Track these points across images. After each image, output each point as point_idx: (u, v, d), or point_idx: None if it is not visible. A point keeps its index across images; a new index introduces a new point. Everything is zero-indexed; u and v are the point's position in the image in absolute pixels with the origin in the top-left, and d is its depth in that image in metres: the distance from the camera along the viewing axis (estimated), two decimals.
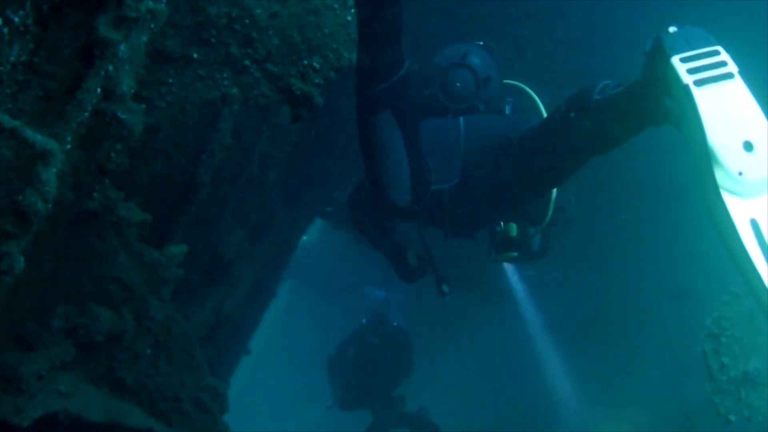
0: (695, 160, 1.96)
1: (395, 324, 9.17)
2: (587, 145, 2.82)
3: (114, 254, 2.56)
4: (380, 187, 3.43)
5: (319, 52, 2.42)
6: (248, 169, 4.09)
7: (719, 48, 2.03)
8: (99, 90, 1.69)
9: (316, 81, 2.46)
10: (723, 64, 1.99)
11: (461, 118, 3.60)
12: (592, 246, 6.41)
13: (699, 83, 1.96)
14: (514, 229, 3.65)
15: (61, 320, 2.65)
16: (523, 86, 3.88)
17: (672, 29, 2.13)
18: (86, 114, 1.68)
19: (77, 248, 2.59)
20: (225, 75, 2.45)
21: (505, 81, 3.99)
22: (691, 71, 1.99)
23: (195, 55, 2.41)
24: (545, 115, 3.56)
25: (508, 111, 3.85)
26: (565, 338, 7.26)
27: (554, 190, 3.57)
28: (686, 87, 1.97)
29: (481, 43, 3.89)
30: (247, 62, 2.43)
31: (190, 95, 2.47)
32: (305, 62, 2.43)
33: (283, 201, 5.37)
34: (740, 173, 1.83)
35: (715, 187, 1.85)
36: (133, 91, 1.82)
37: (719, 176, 1.84)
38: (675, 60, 2.03)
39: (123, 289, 2.58)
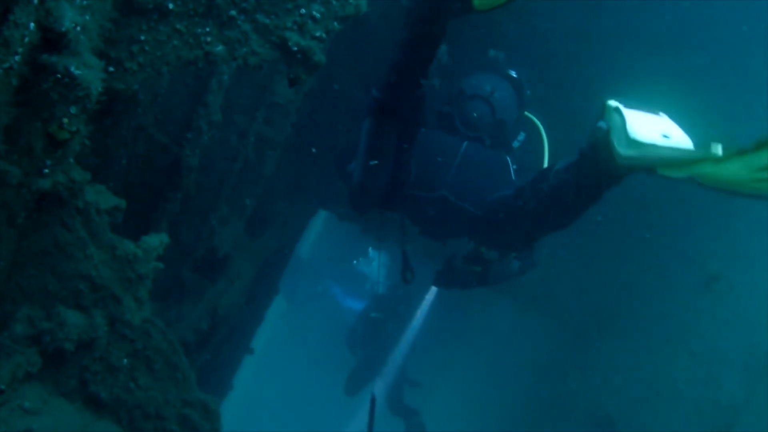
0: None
1: (400, 292, 9.43)
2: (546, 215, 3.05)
3: (82, 247, 2.16)
4: (358, 177, 3.52)
5: None
6: (243, 153, 3.69)
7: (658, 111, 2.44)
8: (32, 25, 1.29)
9: (317, 34, 2.05)
10: (656, 112, 2.41)
11: (465, 143, 3.73)
12: (617, 234, 6.01)
13: (628, 107, 2.36)
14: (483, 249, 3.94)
15: (23, 325, 2.26)
16: (538, 124, 4.05)
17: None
18: (17, 57, 1.28)
19: (39, 240, 2.20)
20: (207, 29, 2.04)
21: (526, 113, 4.15)
22: (623, 103, 2.40)
23: (171, 6, 2.01)
24: (546, 155, 3.89)
25: (516, 146, 4.02)
26: (588, 331, 6.84)
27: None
28: (617, 108, 2.36)
29: (515, 75, 4.01)
30: (233, 13, 2.02)
31: (167, 54, 2.06)
32: (303, 11, 2.03)
33: (283, 188, 4.96)
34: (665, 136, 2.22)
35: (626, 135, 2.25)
36: (78, 28, 1.40)
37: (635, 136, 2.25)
38: (610, 101, 2.42)
39: (93, 288, 2.18)
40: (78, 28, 1.46)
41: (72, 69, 1.60)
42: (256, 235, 4.70)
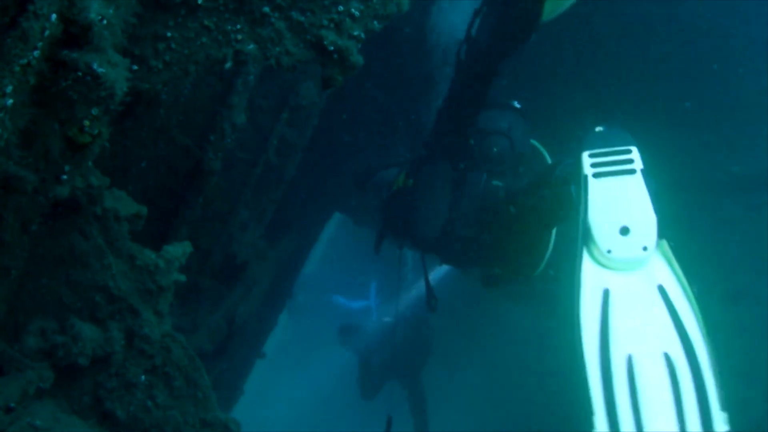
0: (580, 238, 2.23)
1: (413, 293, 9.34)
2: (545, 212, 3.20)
3: (99, 256, 2.03)
4: (415, 218, 3.84)
5: None
6: (265, 156, 3.55)
7: (632, 148, 2.35)
8: (54, 17, 1.16)
9: (355, 33, 1.91)
10: (629, 161, 2.31)
11: (484, 175, 3.93)
12: None
13: (597, 175, 2.30)
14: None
15: (35, 338, 2.13)
16: (541, 149, 4.21)
17: (598, 129, 2.47)
18: (36, 53, 1.15)
19: (54, 249, 2.07)
20: (238, 26, 1.91)
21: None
22: (594, 165, 2.33)
23: (200, 1, 1.87)
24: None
25: (521, 170, 4.22)
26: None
27: (549, 248, 3.86)
28: (585, 177, 2.31)
29: (518, 105, 4.22)
30: (266, 9, 1.88)
31: (195, 53, 1.92)
32: (341, 8, 1.88)
33: (303, 192, 4.83)
34: (609, 251, 2.11)
35: (581, 254, 2.13)
36: (104, 21, 1.26)
37: (589, 251, 2.14)
38: (584, 155, 2.37)
39: (110, 300, 2.05)
40: (104, 21, 1.32)
41: (95, 66, 1.47)
42: (273, 240, 4.57)
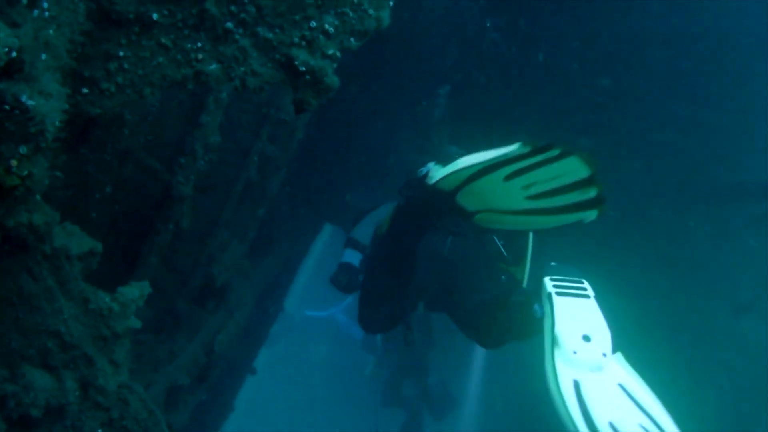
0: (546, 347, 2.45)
1: None
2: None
3: (50, 299, 1.83)
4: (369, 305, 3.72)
5: (333, 10, 1.69)
6: (245, 174, 3.36)
7: (584, 280, 2.69)
8: None
9: (329, 52, 1.72)
10: (583, 289, 2.63)
11: (450, 237, 3.85)
12: (642, 255, 5.65)
13: (560, 294, 2.60)
14: None
15: None
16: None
17: (553, 264, 2.85)
18: None
19: (2, 289, 1.87)
20: (199, 44, 1.71)
21: None
22: (556, 287, 2.64)
23: (155, 16, 1.68)
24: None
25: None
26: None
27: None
28: (549, 294, 2.60)
29: None
30: (230, 25, 1.69)
31: (150, 74, 1.73)
32: (313, 24, 1.69)
33: (288, 209, 4.63)
34: (575, 352, 2.32)
35: (552, 356, 2.34)
36: (13, 53, 1.07)
37: (557, 352, 2.34)
38: (546, 279, 2.70)
39: (63, 346, 1.85)
40: (14, 53, 1.13)
41: (23, 99, 1.28)
42: (258, 258, 4.37)
